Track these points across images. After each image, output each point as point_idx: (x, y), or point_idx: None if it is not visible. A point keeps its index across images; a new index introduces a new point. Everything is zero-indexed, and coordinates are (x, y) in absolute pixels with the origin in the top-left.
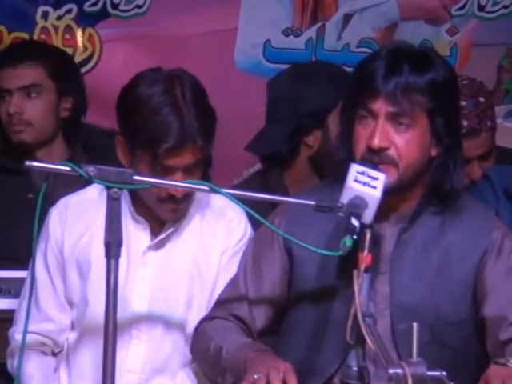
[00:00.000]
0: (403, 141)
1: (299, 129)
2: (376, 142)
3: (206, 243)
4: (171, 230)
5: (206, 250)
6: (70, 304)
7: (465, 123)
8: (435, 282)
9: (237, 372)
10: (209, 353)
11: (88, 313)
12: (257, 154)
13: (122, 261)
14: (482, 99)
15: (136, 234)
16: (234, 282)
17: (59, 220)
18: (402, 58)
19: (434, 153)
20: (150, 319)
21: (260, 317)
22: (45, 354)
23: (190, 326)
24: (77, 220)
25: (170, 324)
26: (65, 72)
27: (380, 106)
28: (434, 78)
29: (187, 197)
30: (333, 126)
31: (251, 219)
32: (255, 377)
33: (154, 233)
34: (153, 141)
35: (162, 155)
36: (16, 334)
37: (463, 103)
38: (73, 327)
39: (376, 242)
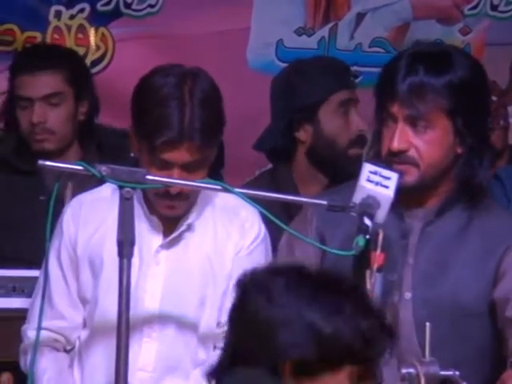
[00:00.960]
0: (422, 142)
1: (290, 124)
2: (395, 145)
3: (220, 243)
4: (184, 228)
5: (220, 249)
6: (83, 302)
7: None
8: (458, 275)
9: None
10: None
11: (98, 311)
12: (259, 151)
13: (135, 259)
14: (494, 98)
15: (149, 233)
16: None
17: (73, 217)
18: (419, 59)
19: (459, 150)
20: (162, 318)
21: None
22: (57, 350)
23: (203, 326)
24: (90, 217)
25: (181, 323)
26: (80, 76)
27: (398, 109)
28: (451, 79)
29: (184, 195)
30: (325, 119)
31: (263, 218)
32: None
33: (167, 232)
34: (152, 132)
35: (159, 148)
36: (29, 331)
37: None
38: (85, 325)
39: (406, 235)
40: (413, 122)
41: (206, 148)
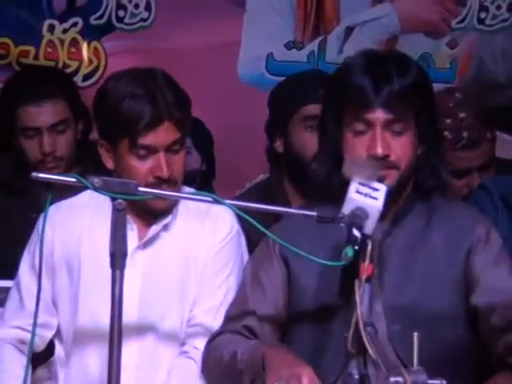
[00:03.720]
0: (400, 144)
1: (269, 136)
2: (380, 151)
3: (193, 241)
4: (159, 227)
5: (194, 247)
6: (56, 305)
7: (465, 134)
8: (424, 281)
9: (254, 369)
10: (223, 361)
11: (80, 314)
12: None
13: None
14: (484, 114)
15: None
16: (238, 299)
17: (49, 223)
18: (385, 64)
19: (418, 151)
20: (141, 318)
21: (267, 330)
22: (21, 352)
23: (182, 322)
24: (66, 223)
25: (161, 321)
26: (76, 97)
27: (377, 116)
28: (415, 79)
29: (173, 180)
30: (293, 132)
31: (247, 225)
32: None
33: (141, 234)
34: (130, 123)
35: (140, 134)
36: (1, 329)
37: (463, 115)
38: (64, 330)
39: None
40: (390, 126)
41: (183, 124)
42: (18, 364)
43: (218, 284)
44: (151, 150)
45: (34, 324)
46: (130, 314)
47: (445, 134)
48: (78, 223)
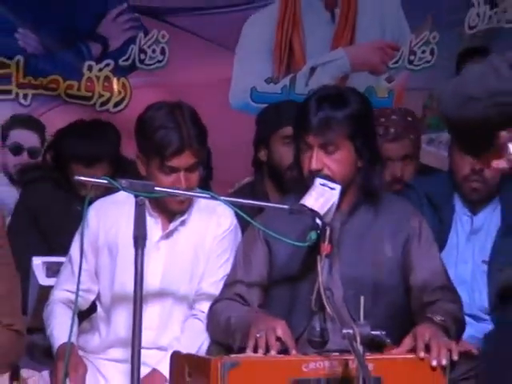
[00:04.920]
0: (332, 161)
1: (255, 148)
2: (314, 166)
3: (202, 232)
4: (177, 222)
5: (202, 237)
6: (98, 276)
7: (392, 130)
8: (372, 259)
9: (244, 330)
10: (220, 324)
11: (116, 284)
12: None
13: None
14: (409, 118)
15: (151, 226)
16: (232, 271)
17: (96, 215)
18: (324, 100)
19: (359, 164)
20: (162, 289)
21: (255, 295)
22: (70, 308)
23: (192, 292)
24: (108, 215)
25: (176, 292)
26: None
27: (312, 139)
28: (350, 112)
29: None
30: (273, 146)
31: (240, 219)
32: (257, 335)
33: (164, 227)
34: (160, 147)
35: (168, 158)
36: (55, 291)
37: (394, 117)
38: (103, 294)
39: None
40: (324, 147)
41: (200, 152)
42: (67, 317)
43: (219, 264)
44: (174, 170)
45: (77, 288)
46: (154, 286)
47: (378, 130)
48: (116, 215)
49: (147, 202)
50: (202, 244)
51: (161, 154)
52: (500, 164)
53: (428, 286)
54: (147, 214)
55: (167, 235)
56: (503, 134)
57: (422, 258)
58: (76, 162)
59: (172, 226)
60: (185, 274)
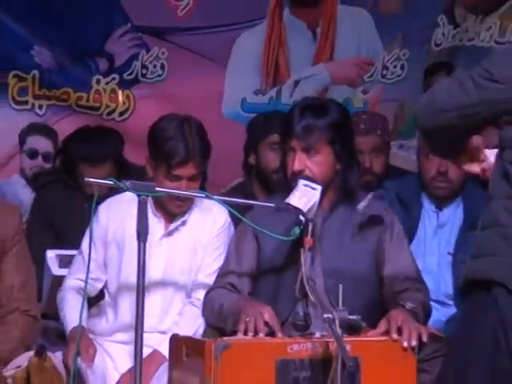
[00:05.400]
0: (313, 163)
1: (245, 153)
2: (296, 167)
3: (200, 230)
4: (179, 222)
5: (200, 234)
6: (106, 267)
7: (362, 126)
8: (350, 253)
9: (235, 315)
10: (214, 310)
11: (122, 275)
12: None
13: (147, 243)
14: (376, 117)
15: (155, 224)
16: (225, 262)
17: (106, 212)
18: (307, 109)
19: (338, 167)
20: (164, 280)
21: (245, 284)
22: (80, 294)
23: (190, 284)
24: (117, 213)
25: (176, 283)
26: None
27: (295, 143)
28: (330, 121)
29: (188, 198)
30: (261, 152)
31: (232, 215)
32: (247, 320)
33: (166, 226)
34: (168, 156)
35: (173, 167)
36: (67, 280)
37: (364, 116)
38: (111, 283)
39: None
40: (306, 150)
41: (202, 164)
42: (78, 303)
43: (214, 258)
44: (178, 178)
45: (87, 277)
46: (156, 277)
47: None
48: (123, 213)
49: (151, 203)
50: (200, 240)
51: (168, 162)
52: (472, 168)
53: (399, 277)
54: (151, 214)
55: (169, 233)
56: (475, 138)
57: (394, 251)
58: (83, 162)
59: (173, 225)
60: (184, 267)
